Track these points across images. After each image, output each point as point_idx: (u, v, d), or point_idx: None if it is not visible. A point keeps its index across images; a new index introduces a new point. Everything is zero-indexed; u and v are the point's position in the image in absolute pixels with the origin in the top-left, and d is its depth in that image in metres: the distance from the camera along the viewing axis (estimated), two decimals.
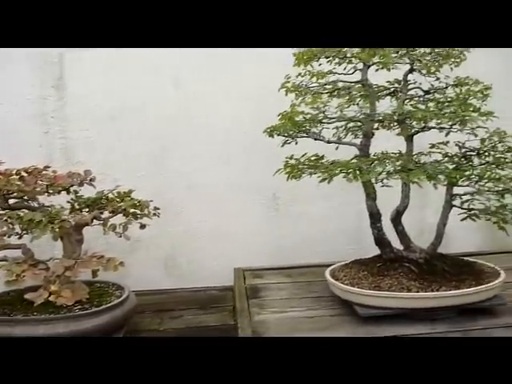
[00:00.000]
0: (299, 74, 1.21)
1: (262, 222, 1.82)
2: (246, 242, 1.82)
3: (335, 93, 1.19)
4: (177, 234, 1.80)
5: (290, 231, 1.83)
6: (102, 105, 1.73)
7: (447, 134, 1.21)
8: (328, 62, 1.25)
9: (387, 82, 1.38)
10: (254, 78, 1.68)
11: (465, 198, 1.17)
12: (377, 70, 1.18)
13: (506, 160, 1.20)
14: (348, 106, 1.31)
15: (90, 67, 1.72)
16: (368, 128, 1.20)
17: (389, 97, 1.39)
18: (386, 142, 1.30)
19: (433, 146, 1.36)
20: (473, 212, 1.16)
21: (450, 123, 1.15)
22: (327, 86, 1.22)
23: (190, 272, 1.81)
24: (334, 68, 1.23)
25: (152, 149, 1.76)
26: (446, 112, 1.18)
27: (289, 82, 1.21)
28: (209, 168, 1.77)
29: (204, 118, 1.76)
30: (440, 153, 1.34)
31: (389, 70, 1.15)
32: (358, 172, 1.04)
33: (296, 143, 1.33)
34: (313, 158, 1.32)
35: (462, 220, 1.19)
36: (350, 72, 1.25)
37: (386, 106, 1.32)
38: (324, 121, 1.18)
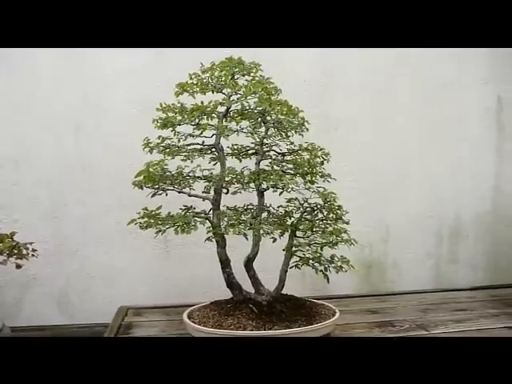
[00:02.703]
0: (159, 137, 1.39)
1: (153, 263, 1.96)
2: (137, 282, 1.95)
3: (190, 154, 1.36)
4: (71, 273, 1.92)
5: (179, 272, 1.97)
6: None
7: (280, 194, 1.40)
8: (194, 126, 1.44)
9: (252, 143, 1.58)
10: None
11: (294, 248, 1.36)
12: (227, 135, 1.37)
13: (336, 216, 1.41)
14: (215, 164, 1.51)
15: None
16: (218, 186, 1.38)
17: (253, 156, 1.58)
18: None
19: (289, 200, 1.56)
20: (300, 261, 1.35)
21: (281, 185, 1.34)
22: (188, 147, 1.40)
23: (81, 309, 1.93)
24: (194, 131, 1.41)
25: (49, 193, 1.89)
26: (286, 174, 1.39)
27: (151, 142, 1.38)
28: (102, 212, 1.92)
29: (98, 165, 1.91)
30: (295, 206, 1.55)
31: (226, 137, 1.35)
32: (185, 226, 1.21)
33: (166, 194, 1.50)
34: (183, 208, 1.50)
35: (290, 268, 1.38)
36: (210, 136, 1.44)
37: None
38: (179, 178, 1.35)
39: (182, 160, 1.35)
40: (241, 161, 1.57)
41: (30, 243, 1.52)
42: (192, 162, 1.36)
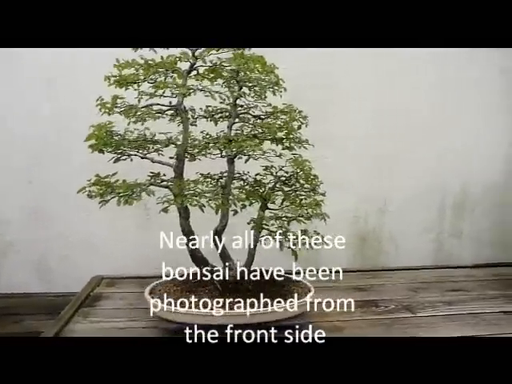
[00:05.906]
0: (114, 96, 1.25)
1: (132, 231, 1.88)
2: (116, 250, 1.88)
3: (150, 115, 1.23)
4: (49, 241, 1.86)
5: (158, 241, 1.88)
6: None
7: (246, 161, 1.27)
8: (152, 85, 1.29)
9: (227, 104, 1.43)
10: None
11: (264, 222, 1.23)
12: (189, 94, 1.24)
13: (311, 186, 1.27)
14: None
15: None
16: (180, 151, 1.25)
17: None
18: None
19: (266, 168, 1.42)
20: (267, 235, 1.22)
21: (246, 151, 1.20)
22: (144, 109, 1.26)
23: (59, 277, 1.87)
24: (156, 91, 1.27)
25: (23, 156, 1.81)
26: (258, 139, 1.25)
27: (107, 102, 1.25)
28: (79, 177, 1.82)
29: (75, 129, 1.80)
30: (271, 174, 1.41)
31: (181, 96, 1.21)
32: (128, 196, 1.10)
33: (131, 160, 1.38)
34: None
35: (259, 242, 1.26)
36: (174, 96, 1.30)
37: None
38: (138, 142, 1.23)
39: (134, 122, 1.21)
40: (216, 124, 1.44)
41: None
42: (143, 124, 1.22)
